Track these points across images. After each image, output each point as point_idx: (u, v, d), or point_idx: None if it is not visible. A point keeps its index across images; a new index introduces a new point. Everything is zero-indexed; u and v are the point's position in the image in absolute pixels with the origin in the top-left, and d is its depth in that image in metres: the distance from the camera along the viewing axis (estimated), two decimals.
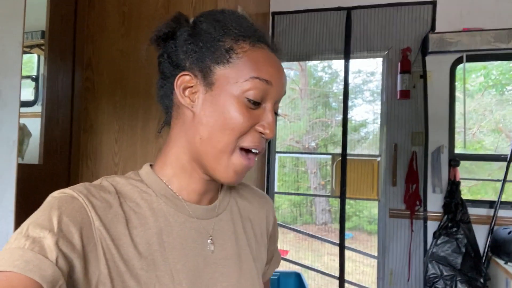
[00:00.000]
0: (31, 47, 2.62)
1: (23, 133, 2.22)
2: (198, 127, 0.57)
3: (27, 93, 2.41)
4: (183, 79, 0.58)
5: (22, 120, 2.18)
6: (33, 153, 2.01)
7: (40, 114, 2.02)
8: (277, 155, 2.98)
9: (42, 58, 2.12)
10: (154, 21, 1.98)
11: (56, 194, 0.50)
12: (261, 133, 0.57)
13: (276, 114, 0.61)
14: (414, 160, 2.59)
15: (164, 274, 0.53)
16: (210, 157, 0.57)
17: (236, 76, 0.55)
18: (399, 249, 2.61)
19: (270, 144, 2.94)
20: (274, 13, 2.88)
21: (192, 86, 0.58)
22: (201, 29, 0.58)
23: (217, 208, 0.64)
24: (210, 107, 0.56)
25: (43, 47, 2.13)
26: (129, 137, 2.01)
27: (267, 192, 2.86)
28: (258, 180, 2.75)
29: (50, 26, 2.04)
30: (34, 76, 2.21)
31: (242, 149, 0.57)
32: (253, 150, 0.58)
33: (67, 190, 0.51)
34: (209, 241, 0.60)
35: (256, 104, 0.56)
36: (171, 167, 0.60)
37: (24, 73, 2.52)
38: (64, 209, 0.48)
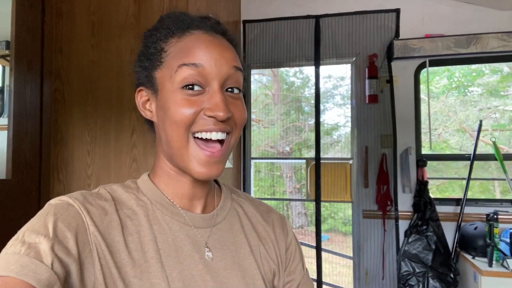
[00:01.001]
0: None
1: None
2: (160, 133, 0.59)
3: None
4: (141, 95, 0.62)
5: None
6: (0, 167, 1.94)
7: (6, 126, 1.96)
8: (252, 161, 3.01)
9: (7, 69, 2.07)
10: (125, 30, 1.97)
11: (53, 201, 0.52)
12: (212, 116, 0.54)
13: (232, 90, 0.58)
14: (384, 162, 2.67)
15: (160, 282, 0.52)
16: (176, 157, 0.57)
17: (169, 73, 0.56)
18: (373, 249, 2.68)
19: (245, 151, 2.96)
20: (245, 21, 2.92)
21: (148, 99, 0.61)
22: (143, 45, 0.61)
23: (215, 217, 0.63)
24: (160, 111, 0.58)
25: (8, 58, 2.07)
26: (102, 148, 1.98)
27: None
28: (234, 186, 2.76)
29: (16, 36, 1.98)
30: None
31: (199, 138, 0.56)
32: (210, 137, 0.55)
33: (64, 198, 0.52)
34: (206, 249, 0.59)
35: (192, 89, 0.55)
36: (160, 175, 0.62)
37: None
38: (59, 215, 0.48)
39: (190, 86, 0.55)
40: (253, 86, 4.14)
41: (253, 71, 3.40)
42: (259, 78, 5.10)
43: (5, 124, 1.99)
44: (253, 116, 3.87)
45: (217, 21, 0.61)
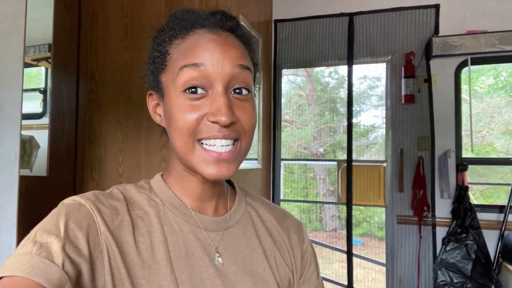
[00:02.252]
0: (39, 60, 2.66)
1: (32, 145, 2.25)
2: (170, 137, 0.58)
3: (36, 105, 2.45)
4: (151, 98, 0.61)
5: (31, 132, 2.21)
6: (41, 164, 2.03)
7: (47, 126, 2.05)
8: (282, 162, 2.97)
9: (50, 70, 2.15)
10: None
11: (65, 201, 0.52)
12: (214, 122, 0.51)
13: (240, 91, 0.54)
14: (421, 165, 2.55)
15: (169, 284, 0.51)
16: (185, 161, 0.56)
17: (172, 76, 0.54)
18: (408, 256, 2.56)
19: (274, 151, 2.93)
20: (276, 21, 2.89)
21: (158, 103, 0.60)
22: (150, 47, 0.60)
23: (228, 220, 0.62)
24: (167, 117, 0.56)
25: (50, 60, 2.16)
26: (133, 148, 2.02)
27: (273, 200, 2.85)
28: (263, 187, 2.74)
29: (55, 39, 2.07)
30: (42, 89, 2.24)
31: (204, 142, 0.53)
32: (214, 148, 0.52)
33: (76, 198, 0.52)
34: (216, 254, 0.57)
35: (195, 92, 0.52)
36: (174, 175, 0.61)
37: (33, 86, 2.57)
38: (71, 215, 0.48)
39: (193, 89, 0.52)
40: (287, 87, 4.11)
41: (286, 72, 3.37)
42: (293, 78, 5.05)
43: (47, 123, 2.08)
44: (286, 117, 3.84)
45: (225, 15, 0.57)
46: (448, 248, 2.36)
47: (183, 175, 0.60)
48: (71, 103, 2.12)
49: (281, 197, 2.93)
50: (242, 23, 0.62)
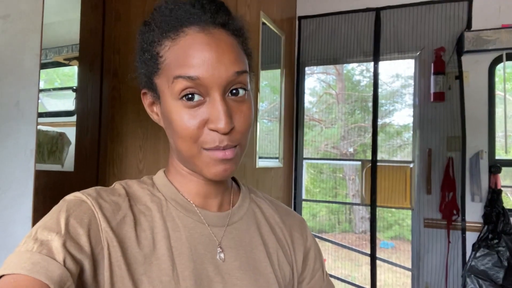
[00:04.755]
0: (70, 59, 2.76)
1: (63, 141, 2.34)
2: (169, 138, 0.57)
3: (69, 103, 2.55)
4: (146, 97, 0.59)
5: (63, 129, 2.31)
6: (71, 160, 2.13)
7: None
8: (305, 161, 2.92)
9: (76, 69, 2.24)
10: None
11: (67, 197, 0.52)
12: (214, 130, 0.51)
13: (237, 92, 0.52)
14: (451, 166, 2.43)
15: (170, 280, 0.51)
16: (189, 164, 0.56)
17: (167, 81, 0.52)
18: (435, 262, 2.45)
19: (297, 150, 2.89)
20: (300, 18, 2.85)
21: (153, 101, 0.58)
22: (139, 45, 0.56)
23: (231, 216, 0.61)
24: (165, 120, 0.55)
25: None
26: (152, 144, 2.05)
27: (294, 200, 2.81)
28: (285, 186, 2.71)
29: (81, 39, 2.15)
30: (74, 88, 2.32)
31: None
32: (216, 159, 0.53)
33: (78, 194, 0.52)
34: (218, 249, 0.57)
35: (192, 99, 0.51)
36: (174, 173, 0.61)
37: (68, 85, 2.68)
38: (72, 211, 0.49)
39: (190, 96, 0.51)
40: (316, 85, 4.04)
41: (316, 70, 3.31)
42: (322, 77, 4.97)
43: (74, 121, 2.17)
44: (315, 116, 3.78)
45: (215, 6, 0.53)
46: (478, 254, 2.23)
47: (183, 174, 0.59)
48: (95, 101, 2.18)
49: (303, 197, 2.88)
50: (240, 19, 0.58)
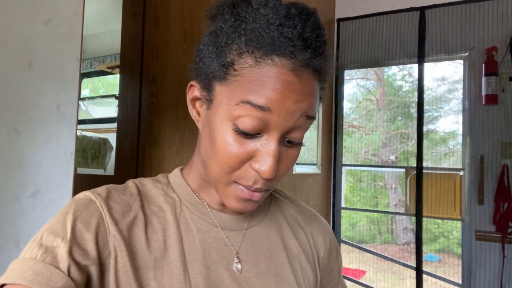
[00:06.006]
0: (113, 68, 2.85)
1: (106, 147, 2.41)
2: (201, 146, 0.52)
3: (112, 110, 2.63)
4: (193, 89, 0.53)
5: (106, 135, 2.37)
6: (112, 164, 2.19)
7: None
8: (344, 168, 2.82)
9: (118, 77, 2.30)
10: None
11: (76, 196, 0.50)
12: (256, 170, 0.47)
13: (294, 144, 0.49)
14: (505, 174, 2.25)
15: (181, 286, 0.48)
16: (216, 188, 0.51)
17: (229, 98, 0.46)
18: (488, 278, 2.27)
19: (336, 157, 2.79)
20: (339, 20, 2.77)
21: (200, 99, 0.52)
22: (217, 27, 0.48)
23: (250, 219, 0.58)
24: (207, 128, 0.49)
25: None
26: (189, 150, 2.05)
27: (333, 208, 2.71)
28: (323, 194, 2.62)
29: (122, 47, 2.20)
30: (116, 95, 2.39)
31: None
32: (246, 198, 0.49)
33: (87, 193, 0.50)
34: (235, 259, 0.54)
35: (247, 135, 0.45)
36: (194, 174, 0.57)
37: (111, 93, 2.77)
38: (79, 213, 0.47)
39: (247, 132, 0.45)
40: (356, 91, 3.92)
41: (355, 75, 3.21)
42: (362, 82, 4.83)
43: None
44: (354, 123, 3.67)
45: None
46: None
47: (204, 179, 0.56)
48: (135, 107, 2.22)
49: (342, 205, 2.77)
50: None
